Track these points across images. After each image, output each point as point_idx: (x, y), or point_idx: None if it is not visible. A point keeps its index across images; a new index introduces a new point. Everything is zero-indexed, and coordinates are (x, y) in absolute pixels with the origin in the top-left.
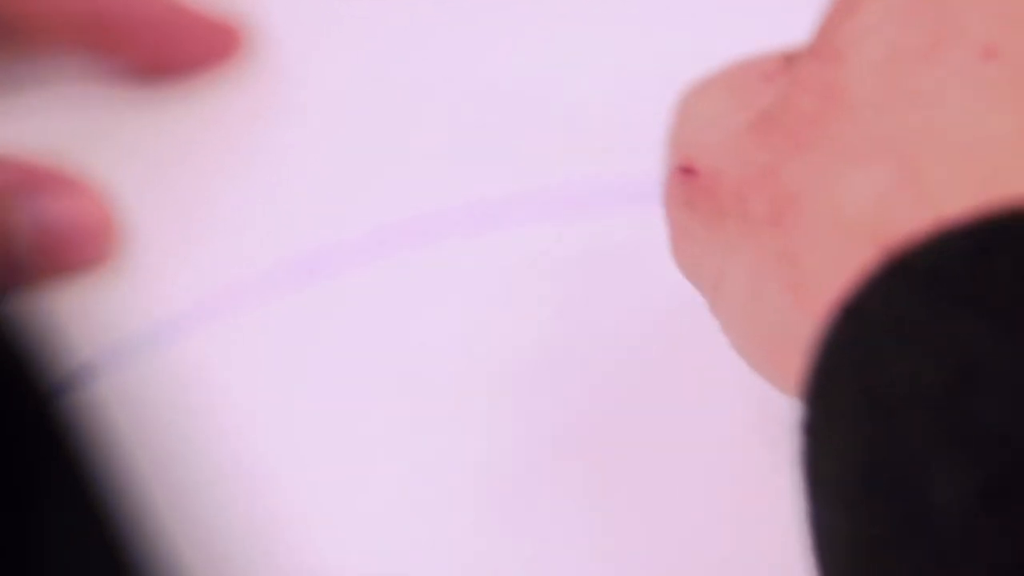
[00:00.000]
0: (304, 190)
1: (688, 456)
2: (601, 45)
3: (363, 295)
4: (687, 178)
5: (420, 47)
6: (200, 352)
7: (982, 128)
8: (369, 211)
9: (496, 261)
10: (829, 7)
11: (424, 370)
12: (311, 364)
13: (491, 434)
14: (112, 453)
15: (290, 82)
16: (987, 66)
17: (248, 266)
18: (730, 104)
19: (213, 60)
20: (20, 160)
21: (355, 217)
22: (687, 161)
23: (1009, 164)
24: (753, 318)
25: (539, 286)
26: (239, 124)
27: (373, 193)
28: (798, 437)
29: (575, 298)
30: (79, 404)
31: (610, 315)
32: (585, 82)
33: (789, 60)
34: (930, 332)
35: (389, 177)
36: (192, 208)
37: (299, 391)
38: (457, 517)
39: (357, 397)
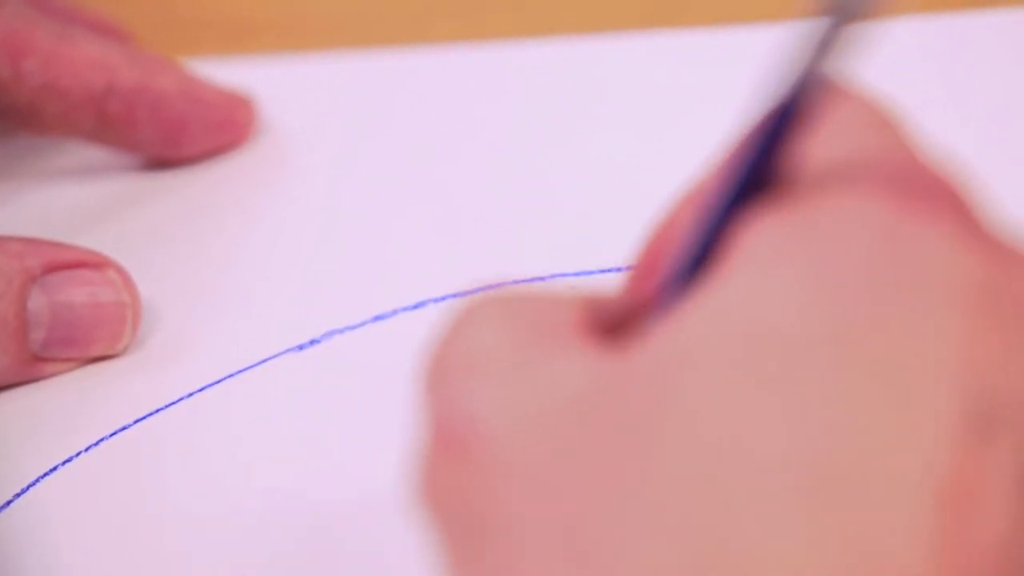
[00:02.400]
0: (304, 276)
1: None
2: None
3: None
4: (453, 451)
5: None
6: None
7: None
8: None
9: None
10: None
11: None
12: None
13: None
14: None
15: (295, 167)
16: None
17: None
18: (516, 357)
19: (229, 135)
20: (40, 244)
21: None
22: (456, 426)
23: None
24: None
25: None
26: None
27: (369, 283)
28: None
29: None
30: None
31: None
32: (580, 180)
33: (592, 320)
34: None
35: (388, 265)
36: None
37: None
38: None
39: None
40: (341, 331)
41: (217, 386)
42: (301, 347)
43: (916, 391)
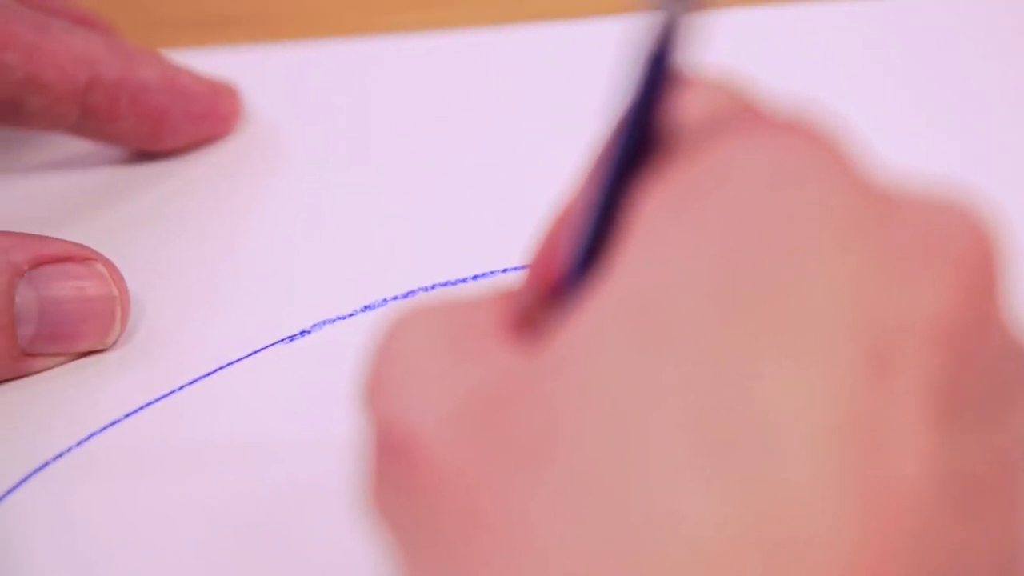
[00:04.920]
0: (291, 269)
1: None
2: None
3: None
4: (396, 457)
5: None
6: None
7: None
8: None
9: None
10: None
11: None
12: None
13: None
14: None
15: (278, 157)
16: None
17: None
18: (444, 364)
19: (213, 125)
20: (26, 238)
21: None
22: (396, 434)
23: None
24: None
25: None
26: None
27: (356, 276)
28: None
29: None
30: None
31: None
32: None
33: (509, 318)
34: None
35: (376, 254)
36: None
37: None
38: None
39: None
40: (331, 321)
41: (208, 378)
42: (291, 338)
43: (807, 333)
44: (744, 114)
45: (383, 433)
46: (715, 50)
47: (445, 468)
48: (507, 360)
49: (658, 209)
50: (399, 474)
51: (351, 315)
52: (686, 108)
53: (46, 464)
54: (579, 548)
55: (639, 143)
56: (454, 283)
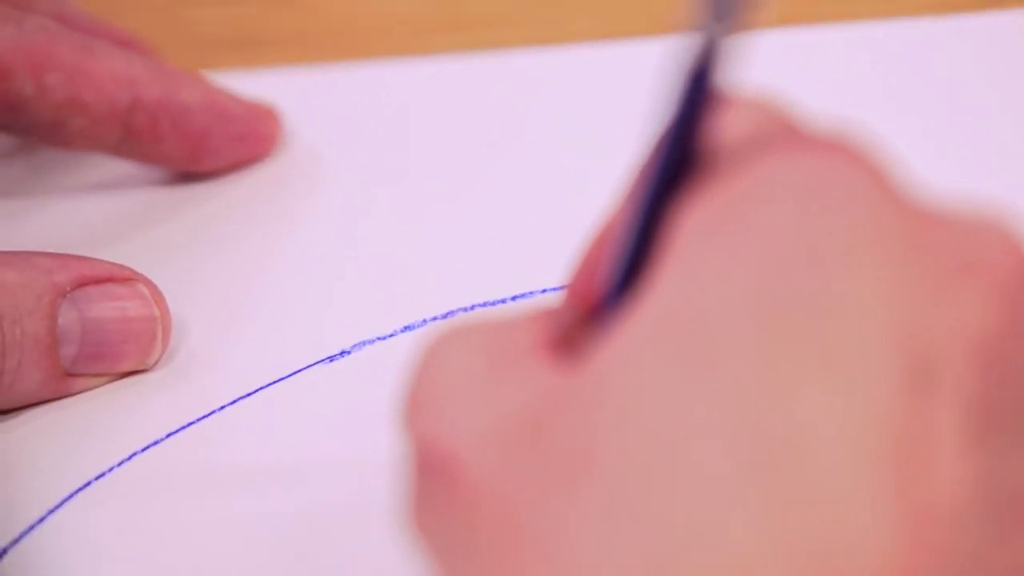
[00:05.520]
0: (331, 290)
1: None
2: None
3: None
4: (436, 476)
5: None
6: None
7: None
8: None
9: None
10: None
11: None
12: None
13: None
14: None
15: (318, 178)
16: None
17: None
18: (484, 383)
19: (253, 147)
20: (69, 259)
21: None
22: (437, 453)
23: None
24: None
25: None
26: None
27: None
28: None
29: None
30: None
31: None
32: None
33: (549, 338)
34: None
35: (416, 274)
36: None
37: None
38: None
39: None
40: (371, 342)
41: (248, 398)
42: (331, 358)
43: (848, 351)
44: (783, 133)
45: (422, 452)
46: (755, 70)
47: (484, 486)
48: (546, 379)
49: (697, 228)
50: (438, 493)
51: (391, 335)
52: (726, 128)
53: (88, 484)
54: (618, 565)
55: (679, 163)
56: (493, 303)
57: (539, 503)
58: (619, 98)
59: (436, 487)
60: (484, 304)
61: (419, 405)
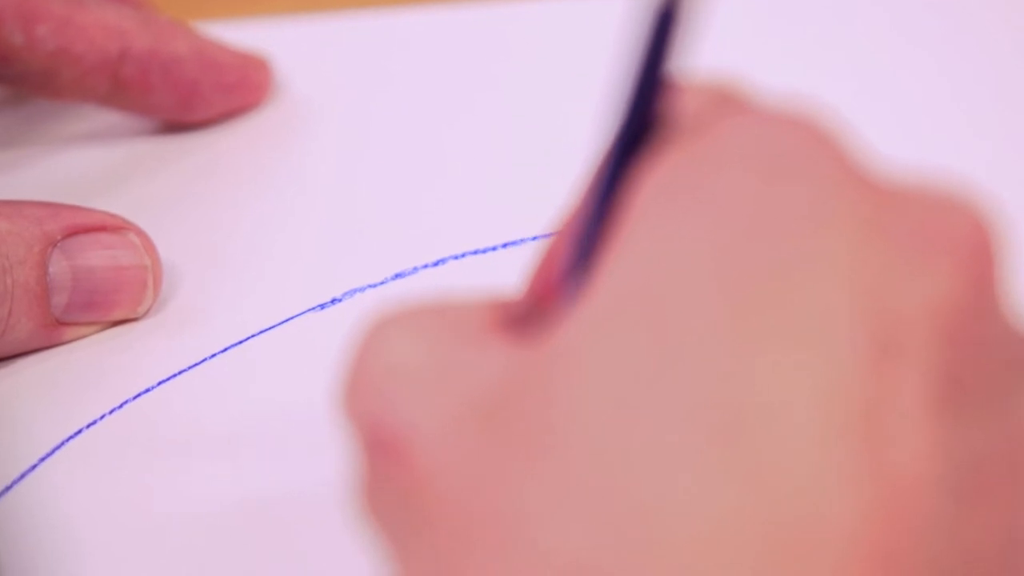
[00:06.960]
0: (322, 238)
1: None
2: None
3: None
4: (388, 459)
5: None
6: None
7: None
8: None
9: None
10: None
11: None
12: None
13: None
14: None
15: (309, 128)
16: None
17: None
18: (435, 363)
19: (243, 97)
20: (60, 208)
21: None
22: (387, 435)
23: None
24: None
25: None
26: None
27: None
28: None
29: None
30: None
31: None
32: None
33: (504, 318)
34: None
35: (407, 222)
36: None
37: None
38: None
39: None
40: (362, 289)
41: (239, 347)
42: (322, 306)
43: (809, 321)
44: (742, 106)
45: (370, 435)
46: (715, 34)
47: (437, 466)
48: (500, 357)
49: (653, 195)
50: (390, 476)
51: (382, 283)
52: (684, 102)
53: (79, 431)
54: (579, 538)
55: (637, 135)
56: (484, 251)
57: (495, 481)
58: (605, 50)
59: (387, 470)
60: (475, 252)
61: (361, 387)
